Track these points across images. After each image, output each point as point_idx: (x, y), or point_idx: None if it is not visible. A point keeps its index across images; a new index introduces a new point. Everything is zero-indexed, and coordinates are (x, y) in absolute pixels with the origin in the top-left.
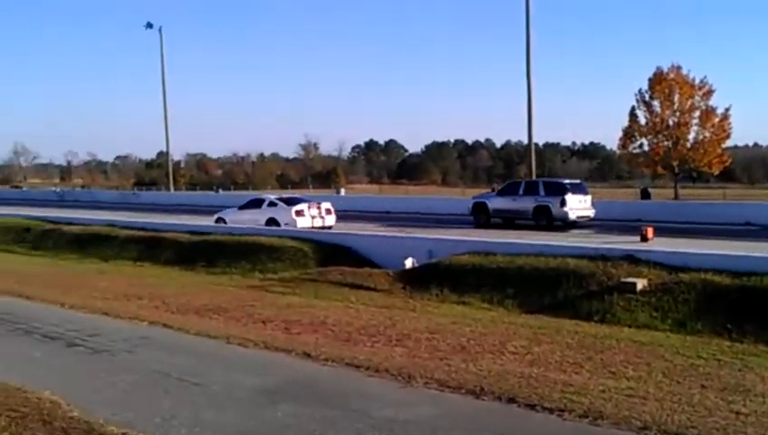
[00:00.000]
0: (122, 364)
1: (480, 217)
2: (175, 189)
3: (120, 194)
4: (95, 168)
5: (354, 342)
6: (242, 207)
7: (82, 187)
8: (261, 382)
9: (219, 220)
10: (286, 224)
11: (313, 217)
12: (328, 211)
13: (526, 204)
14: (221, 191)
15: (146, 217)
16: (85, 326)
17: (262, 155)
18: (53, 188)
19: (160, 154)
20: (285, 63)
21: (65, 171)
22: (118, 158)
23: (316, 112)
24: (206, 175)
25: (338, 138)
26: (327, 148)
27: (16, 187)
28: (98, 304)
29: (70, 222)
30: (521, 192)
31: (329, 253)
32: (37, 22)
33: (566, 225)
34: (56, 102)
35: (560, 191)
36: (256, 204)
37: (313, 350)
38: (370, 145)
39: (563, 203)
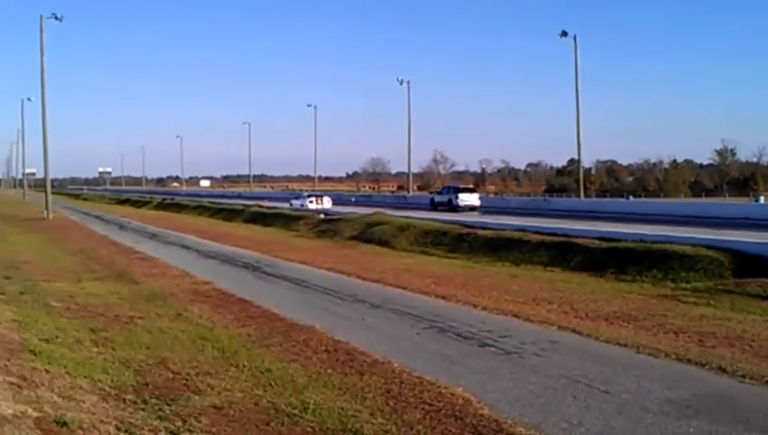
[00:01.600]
0: (531, 367)
1: (432, 205)
2: (584, 196)
3: (531, 200)
4: (507, 175)
5: None
6: (295, 198)
7: (495, 193)
8: (672, 395)
9: (291, 204)
10: (304, 206)
11: (317, 204)
12: (328, 201)
13: (444, 198)
14: (631, 198)
15: (556, 222)
16: (496, 327)
17: (674, 161)
18: None
19: (571, 161)
20: (702, 65)
21: (479, 178)
22: (529, 165)
23: (734, 116)
24: (615, 182)
25: (758, 143)
26: (745, 153)
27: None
28: (509, 307)
29: (483, 226)
30: (444, 192)
31: (747, 263)
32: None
33: (471, 209)
34: (473, 111)
35: (456, 191)
36: (299, 196)
37: (729, 365)
38: None
39: (456, 197)
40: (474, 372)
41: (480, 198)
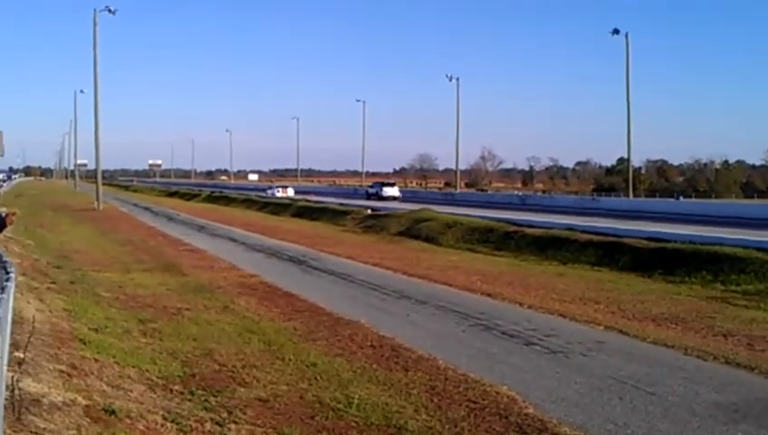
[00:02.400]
0: (577, 367)
1: (367, 195)
2: (633, 196)
3: (579, 199)
4: (556, 173)
5: None
6: (269, 189)
7: (543, 192)
8: (719, 398)
9: (267, 193)
10: (274, 195)
11: (283, 193)
12: (292, 190)
13: (374, 190)
14: (681, 198)
15: (605, 221)
16: (542, 326)
17: (726, 162)
18: (516, 193)
19: (620, 160)
20: (756, 65)
21: (527, 176)
22: (578, 163)
23: None
24: (666, 181)
25: None
26: None
27: (482, 190)
28: (555, 306)
29: (531, 225)
30: (374, 187)
31: None
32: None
33: (394, 199)
34: (523, 109)
35: (382, 185)
36: (270, 187)
37: None
38: None
39: (381, 190)
40: (519, 370)
41: (399, 190)
